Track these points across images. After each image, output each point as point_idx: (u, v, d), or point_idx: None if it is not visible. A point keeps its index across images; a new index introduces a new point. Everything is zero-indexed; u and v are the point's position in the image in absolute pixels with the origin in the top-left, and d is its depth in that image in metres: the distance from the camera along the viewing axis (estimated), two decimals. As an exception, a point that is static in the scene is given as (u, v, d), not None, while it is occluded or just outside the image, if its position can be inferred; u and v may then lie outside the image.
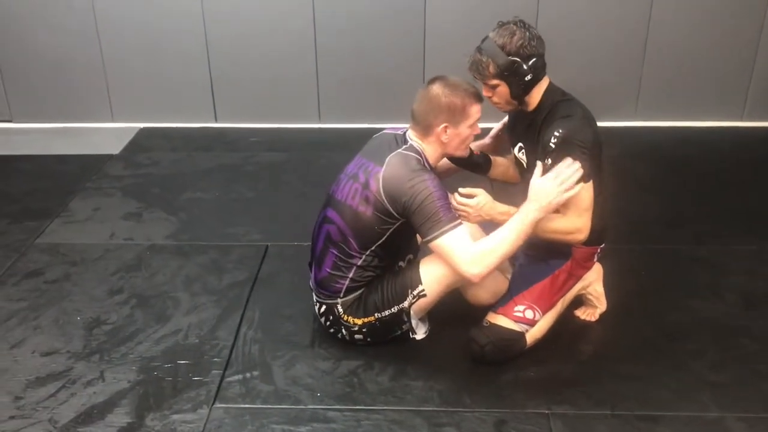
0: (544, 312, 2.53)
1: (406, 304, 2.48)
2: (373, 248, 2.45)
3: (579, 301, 2.76)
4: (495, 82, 2.40)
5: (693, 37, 4.51)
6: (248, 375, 2.49)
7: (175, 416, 2.30)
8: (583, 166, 2.34)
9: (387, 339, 2.58)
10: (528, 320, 2.49)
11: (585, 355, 2.60)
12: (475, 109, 2.42)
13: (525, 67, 2.35)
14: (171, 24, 4.57)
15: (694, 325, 2.73)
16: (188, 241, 3.37)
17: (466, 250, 2.28)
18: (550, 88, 2.47)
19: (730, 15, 4.45)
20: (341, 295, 2.52)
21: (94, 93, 4.76)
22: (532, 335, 2.52)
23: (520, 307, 2.49)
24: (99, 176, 4.07)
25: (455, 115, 2.39)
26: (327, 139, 4.57)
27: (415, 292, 2.46)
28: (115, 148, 4.46)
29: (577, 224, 2.40)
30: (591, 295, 2.75)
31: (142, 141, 4.60)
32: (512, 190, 2.63)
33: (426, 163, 2.42)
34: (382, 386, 2.43)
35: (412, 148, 2.43)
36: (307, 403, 2.35)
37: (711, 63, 4.58)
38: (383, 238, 2.43)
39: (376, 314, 2.50)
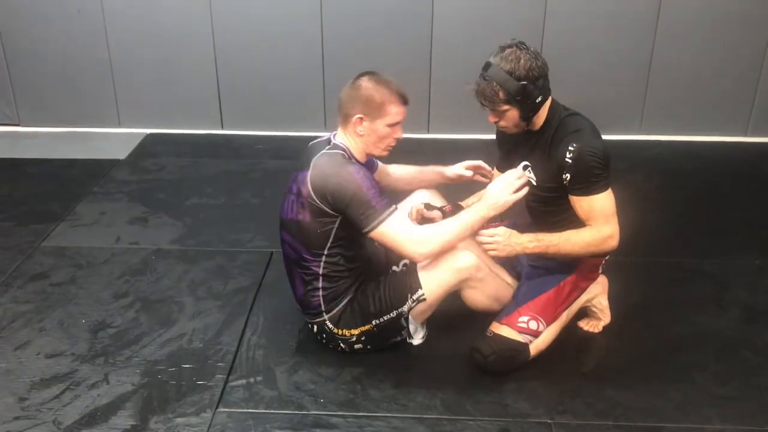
0: (549, 323, 2.53)
1: (405, 308, 2.49)
2: (326, 252, 2.45)
3: (583, 312, 2.77)
4: (505, 107, 2.39)
5: (698, 52, 4.54)
6: (252, 380, 2.49)
7: (179, 420, 2.31)
8: (600, 177, 2.37)
9: (387, 345, 2.59)
10: (532, 331, 2.49)
11: (588, 366, 2.61)
12: (394, 110, 2.41)
13: (535, 89, 2.36)
14: (179, 31, 4.60)
15: (697, 338, 2.73)
16: (194, 246, 3.39)
17: (410, 232, 2.34)
18: (554, 105, 2.49)
19: (736, 30, 4.47)
20: (324, 310, 2.53)
21: (102, 98, 4.79)
22: (536, 346, 2.52)
23: (525, 318, 2.50)
24: (105, 181, 4.10)
25: (371, 109, 2.39)
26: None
27: (414, 297, 2.47)
28: (121, 153, 4.49)
29: (607, 231, 2.41)
30: (596, 307, 2.75)
31: (149, 146, 4.63)
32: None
33: (352, 158, 2.44)
34: (385, 393, 2.43)
35: (335, 147, 2.44)
36: (310, 409, 2.36)
37: (716, 78, 4.60)
38: (331, 238, 2.43)
39: (373, 321, 2.51)
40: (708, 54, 4.54)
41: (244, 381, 2.49)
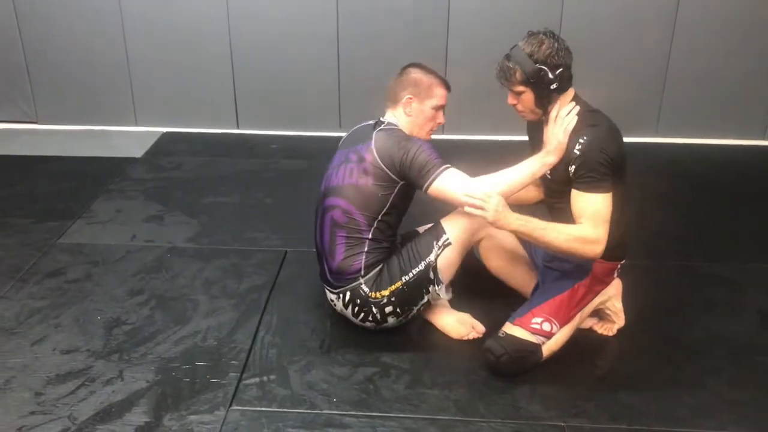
0: (562, 325, 2.52)
1: (432, 257, 2.55)
2: (379, 217, 2.55)
3: (597, 315, 2.76)
4: (520, 88, 2.42)
5: (715, 54, 4.51)
6: (265, 378, 2.50)
7: (192, 417, 2.32)
8: (603, 177, 2.35)
9: (416, 308, 2.63)
10: (545, 332, 2.49)
11: (602, 369, 2.59)
12: (440, 92, 2.60)
13: (551, 75, 2.37)
14: (196, 31, 4.63)
15: (712, 342, 2.72)
16: (208, 244, 3.41)
17: (465, 181, 2.44)
18: (576, 100, 2.48)
19: (753, 33, 4.44)
20: (362, 273, 2.57)
21: (119, 96, 4.83)
22: (549, 348, 2.51)
23: (538, 319, 2.49)
24: (122, 179, 4.13)
25: (420, 89, 2.58)
26: (347, 147, 4.58)
27: (440, 242, 2.56)
28: (138, 152, 4.52)
29: (592, 234, 2.36)
30: (609, 310, 2.74)
31: (165, 145, 4.66)
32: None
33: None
34: (397, 394, 2.43)
35: (390, 125, 2.61)
36: (323, 408, 2.37)
37: (733, 81, 4.57)
38: (387, 205, 2.54)
39: (403, 277, 2.56)
40: (725, 56, 4.51)
41: (257, 379, 2.50)
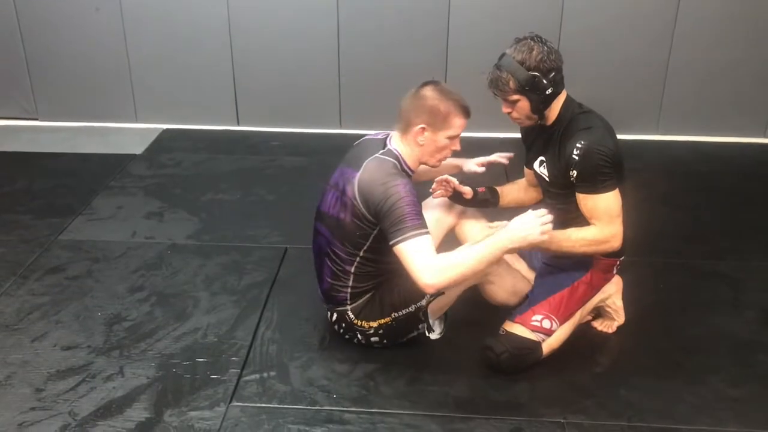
0: (562, 322, 2.52)
1: (423, 302, 2.48)
2: (360, 254, 2.45)
3: (597, 312, 2.76)
4: (515, 97, 2.41)
5: (716, 52, 4.51)
6: (265, 375, 2.51)
7: (193, 413, 2.33)
8: (607, 176, 2.36)
9: (403, 340, 2.59)
10: (545, 330, 2.49)
11: (602, 366, 2.60)
12: (458, 122, 2.38)
13: (545, 81, 2.36)
14: (196, 28, 4.63)
15: (713, 340, 2.72)
16: (209, 241, 3.41)
17: (426, 259, 2.20)
18: (568, 101, 2.48)
19: (754, 31, 4.44)
20: (348, 302, 2.53)
21: (119, 93, 4.83)
22: (549, 345, 2.51)
23: (538, 317, 2.49)
24: (122, 175, 4.13)
25: (436, 119, 2.36)
26: (347, 144, 4.54)
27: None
28: (138, 148, 4.52)
29: (609, 231, 2.41)
30: (610, 308, 2.74)
31: (165, 142, 4.66)
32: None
33: (405, 167, 2.41)
34: (397, 390, 2.43)
35: (389, 153, 2.41)
36: (323, 405, 2.37)
37: (733, 79, 4.57)
38: (368, 244, 2.42)
39: (393, 314, 2.51)
40: (726, 54, 4.51)
41: (257, 376, 2.50)
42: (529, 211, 2.25)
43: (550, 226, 2.24)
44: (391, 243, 2.27)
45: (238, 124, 4.88)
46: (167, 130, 4.82)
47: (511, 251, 2.28)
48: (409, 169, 2.44)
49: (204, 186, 4.00)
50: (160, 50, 4.70)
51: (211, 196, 3.88)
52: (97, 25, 4.64)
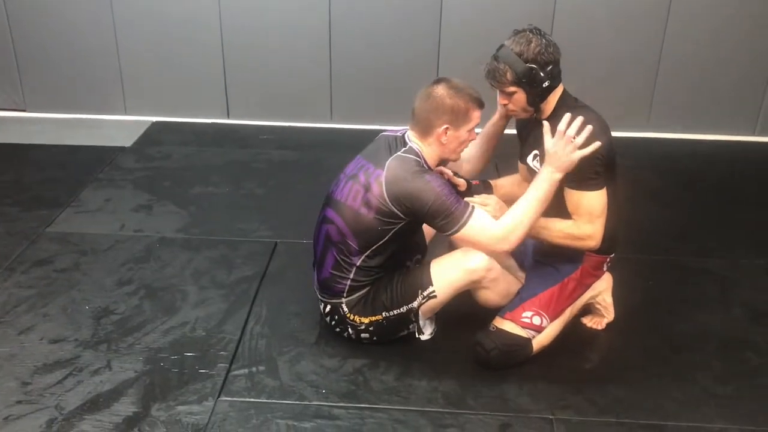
0: (552, 319, 2.53)
1: (415, 304, 2.49)
2: (373, 248, 2.45)
3: (587, 309, 2.76)
4: (512, 89, 2.41)
5: (707, 50, 4.52)
6: (254, 369, 2.50)
7: (181, 407, 2.31)
8: (596, 175, 2.36)
9: (393, 338, 2.59)
10: (535, 326, 2.49)
11: (591, 362, 2.60)
12: (476, 114, 2.44)
13: (542, 73, 2.36)
14: (187, 20, 4.60)
15: (700, 337, 2.73)
16: (198, 235, 3.39)
17: (491, 231, 2.34)
18: (564, 95, 2.49)
19: (745, 29, 4.45)
20: (344, 295, 2.53)
21: (108, 85, 4.79)
22: (539, 342, 2.52)
23: (528, 313, 2.49)
24: (111, 168, 4.10)
25: (458, 117, 2.40)
26: (338, 139, 4.58)
27: (425, 293, 2.47)
28: (127, 141, 4.49)
29: (587, 230, 2.41)
30: (600, 304, 2.74)
31: (154, 134, 4.63)
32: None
33: (425, 164, 2.43)
34: (387, 385, 2.43)
35: (411, 150, 2.43)
36: (312, 400, 2.36)
37: (725, 77, 4.59)
38: (384, 239, 2.43)
39: (383, 313, 2.51)
40: (717, 53, 4.53)
41: (246, 370, 2.49)
42: (555, 136, 2.33)
43: (582, 136, 2.31)
44: (448, 234, 2.37)
45: (228, 117, 4.86)
46: (156, 122, 4.80)
47: (556, 184, 2.37)
48: (428, 166, 2.45)
49: (193, 179, 3.98)
50: (149, 42, 4.67)
51: (200, 190, 3.86)
52: (87, 16, 4.61)
